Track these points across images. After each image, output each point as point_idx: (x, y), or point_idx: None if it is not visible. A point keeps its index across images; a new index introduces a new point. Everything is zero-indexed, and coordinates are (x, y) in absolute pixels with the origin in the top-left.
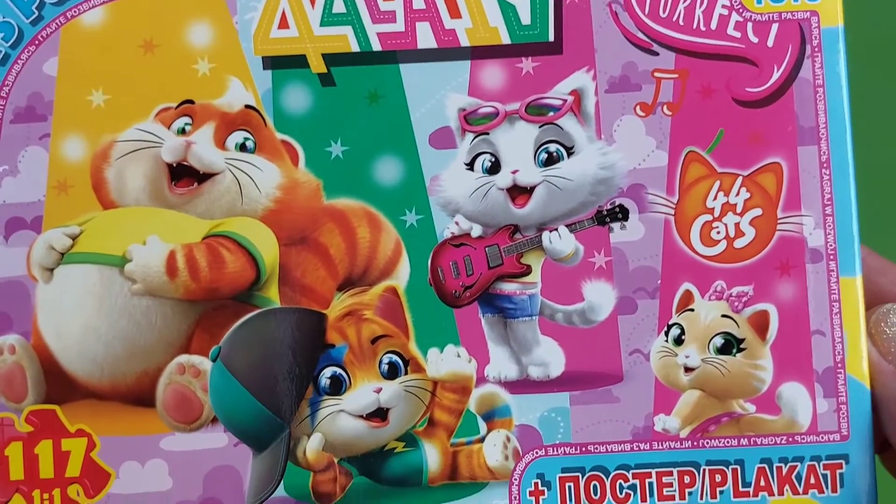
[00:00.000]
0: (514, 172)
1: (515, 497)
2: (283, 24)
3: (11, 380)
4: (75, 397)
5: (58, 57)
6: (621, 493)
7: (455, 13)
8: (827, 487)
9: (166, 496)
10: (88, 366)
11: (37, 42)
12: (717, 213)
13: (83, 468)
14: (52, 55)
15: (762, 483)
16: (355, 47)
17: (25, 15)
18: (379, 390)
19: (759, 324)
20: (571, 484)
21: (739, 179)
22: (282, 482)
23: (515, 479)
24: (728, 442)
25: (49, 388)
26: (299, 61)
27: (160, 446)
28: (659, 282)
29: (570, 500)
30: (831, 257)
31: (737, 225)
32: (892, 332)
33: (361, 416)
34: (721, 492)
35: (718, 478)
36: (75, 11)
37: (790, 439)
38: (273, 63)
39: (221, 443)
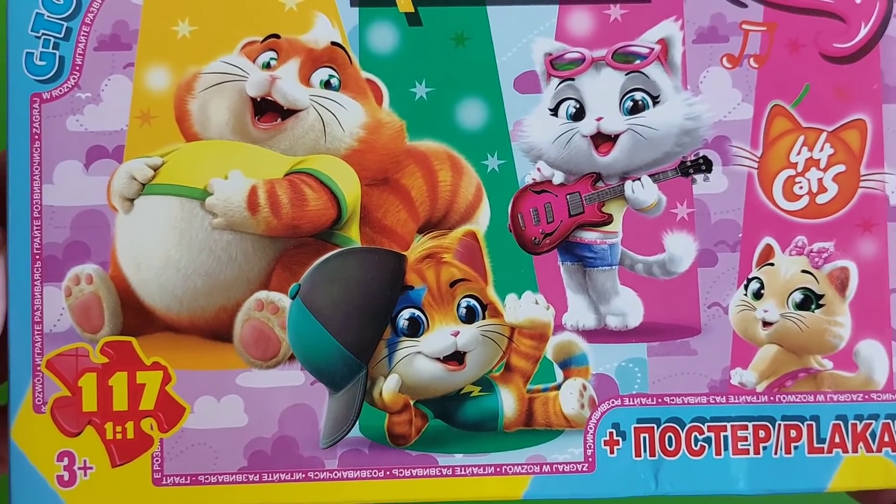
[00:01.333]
0: (598, 119)
1: (590, 446)
2: None
3: (88, 310)
4: (152, 330)
5: None
6: (696, 446)
7: None
8: None
9: (241, 433)
10: (167, 299)
11: None
12: (800, 168)
13: (158, 401)
14: None
15: (836, 440)
16: None
17: None
18: (456, 333)
19: (839, 280)
20: (646, 435)
21: (824, 135)
22: (357, 422)
23: (590, 428)
24: (804, 398)
25: (126, 319)
26: None
27: (236, 382)
28: (740, 235)
29: (645, 450)
30: None
31: (819, 180)
32: None
33: (438, 359)
34: (795, 447)
35: (793, 433)
36: None
37: (866, 397)
38: (360, 0)
39: (298, 381)
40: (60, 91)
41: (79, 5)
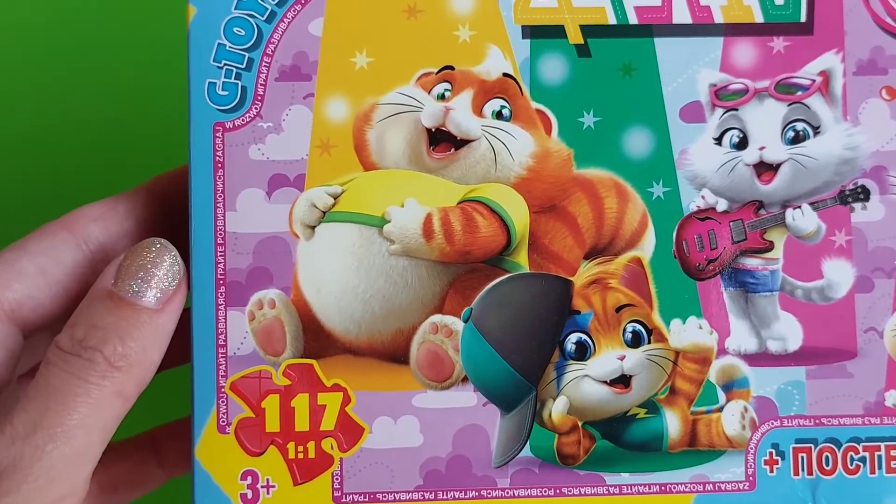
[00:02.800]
0: (761, 149)
1: (751, 465)
2: None
3: (271, 334)
4: (332, 352)
5: (323, 18)
6: (851, 465)
7: None
8: None
9: (417, 452)
10: (346, 322)
11: (303, 1)
12: None
13: (338, 422)
14: (317, 16)
15: None
16: (612, 20)
17: None
18: (622, 357)
19: None
20: (804, 454)
21: None
22: (528, 442)
23: (751, 448)
24: None
25: (307, 342)
26: (557, 31)
27: (412, 403)
28: None
29: (803, 469)
30: None
31: None
32: None
33: (605, 382)
34: None
35: None
36: None
37: None
38: (532, 32)
39: (471, 402)
40: (243, 121)
41: (260, 36)
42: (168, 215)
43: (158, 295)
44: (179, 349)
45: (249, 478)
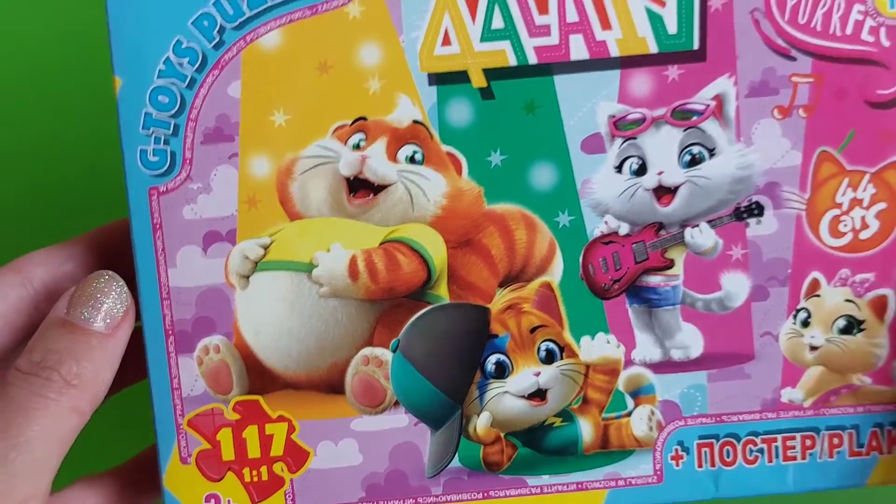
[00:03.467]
0: (659, 174)
1: (658, 461)
2: (446, 41)
3: (218, 375)
4: (275, 388)
5: (240, 80)
6: (750, 456)
7: (606, 25)
8: None
9: (358, 469)
10: (285, 360)
11: (220, 66)
12: (845, 208)
13: (285, 448)
14: (235, 79)
15: (874, 443)
16: (513, 62)
17: (208, 40)
18: (538, 374)
19: (878, 306)
20: (707, 449)
21: (867, 176)
22: (457, 454)
23: (658, 447)
24: (846, 410)
25: (251, 381)
26: (461, 77)
27: (351, 427)
28: (789, 271)
29: (706, 462)
30: None
31: (863, 218)
32: None
33: (523, 397)
34: (838, 452)
35: (836, 440)
36: (253, 35)
37: None
38: (437, 79)
39: (403, 423)
40: (175, 183)
41: (183, 102)
42: (107, 261)
43: (108, 320)
44: (134, 367)
45: (213, 500)
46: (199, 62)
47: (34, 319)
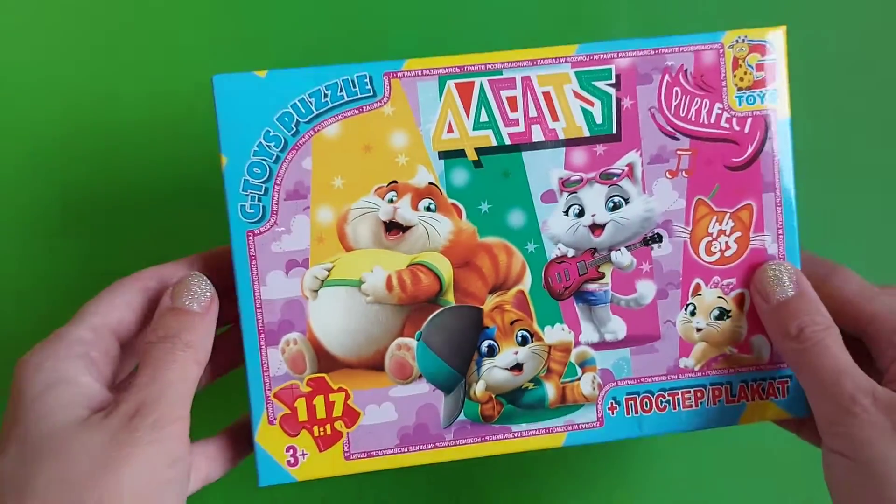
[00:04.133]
0: (593, 216)
1: (599, 412)
2: (450, 130)
3: (296, 360)
4: (335, 368)
5: (311, 157)
6: (661, 405)
7: (555, 118)
8: (779, 394)
9: (394, 424)
10: (343, 349)
11: (297, 148)
12: (714, 236)
13: (343, 411)
14: (307, 156)
15: (743, 394)
16: (494, 143)
17: (288, 130)
18: (516, 353)
19: (740, 301)
20: (632, 402)
21: (728, 215)
22: (462, 411)
23: (599, 401)
24: (723, 371)
25: (319, 363)
26: (461, 153)
27: (389, 394)
28: (680, 279)
29: (632, 411)
30: (783, 259)
31: (726, 242)
32: (769, 280)
33: (507, 369)
34: (719, 400)
35: (717, 392)
36: (319, 127)
37: (758, 368)
38: (444, 155)
39: (425, 390)
40: (265, 227)
41: (271, 173)
42: (209, 276)
43: (201, 303)
44: (230, 360)
45: (291, 450)
46: (282, 145)
47: (152, 313)
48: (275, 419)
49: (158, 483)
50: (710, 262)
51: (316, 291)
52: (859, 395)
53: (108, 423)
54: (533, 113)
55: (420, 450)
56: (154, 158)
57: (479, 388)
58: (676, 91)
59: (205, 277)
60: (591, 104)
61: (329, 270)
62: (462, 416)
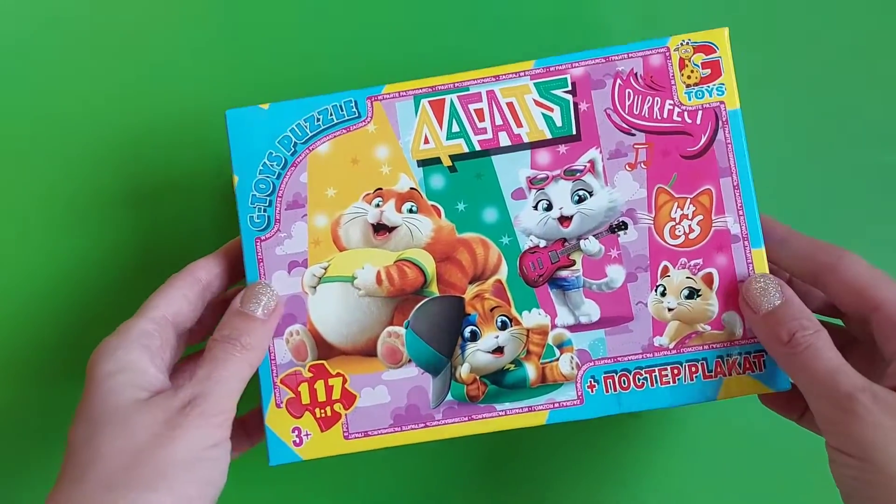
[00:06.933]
0: (560, 209)
1: (579, 390)
2: (426, 141)
3: (298, 349)
4: (333, 355)
5: (307, 172)
6: (639, 382)
7: (519, 124)
8: (756, 368)
9: (387, 406)
10: (340, 338)
11: (295, 164)
12: (677, 220)
13: (341, 394)
14: (303, 171)
15: (719, 369)
16: (466, 149)
17: (287, 150)
18: (497, 337)
19: (708, 280)
20: (611, 380)
21: (688, 200)
22: (450, 392)
23: (578, 380)
24: (697, 348)
25: (319, 352)
26: (437, 161)
27: (382, 378)
28: (648, 263)
29: (611, 388)
30: (745, 239)
31: (689, 226)
32: (756, 292)
33: (489, 352)
34: (696, 376)
35: (693, 369)
36: (314, 146)
37: (732, 344)
38: (422, 163)
39: (414, 373)
40: (271, 234)
41: (274, 187)
42: (238, 267)
43: (265, 311)
44: None
45: (296, 431)
46: (282, 163)
47: (204, 303)
48: (282, 403)
49: (201, 459)
50: (675, 245)
51: (315, 287)
52: (857, 393)
53: (166, 405)
54: (499, 121)
55: (412, 429)
56: (174, 162)
57: (464, 371)
58: (629, 92)
59: (272, 287)
60: (551, 110)
61: (325, 269)
62: (449, 397)
